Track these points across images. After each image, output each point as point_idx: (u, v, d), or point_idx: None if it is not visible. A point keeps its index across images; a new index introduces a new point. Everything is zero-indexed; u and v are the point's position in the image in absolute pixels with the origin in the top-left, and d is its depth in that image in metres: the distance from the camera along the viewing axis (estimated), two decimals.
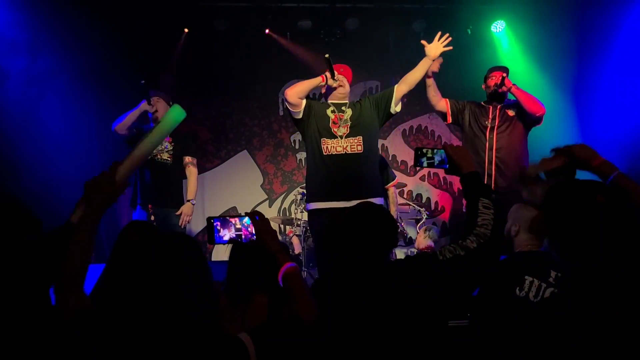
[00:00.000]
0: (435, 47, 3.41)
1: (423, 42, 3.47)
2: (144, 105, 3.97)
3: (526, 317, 1.84)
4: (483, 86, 4.13)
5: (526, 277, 1.88)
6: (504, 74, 3.93)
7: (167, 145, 4.20)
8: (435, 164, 1.87)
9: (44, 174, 4.45)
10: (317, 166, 3.38)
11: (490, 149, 3.88)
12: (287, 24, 5.69)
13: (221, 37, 5.66)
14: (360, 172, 3.32)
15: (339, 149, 3.33)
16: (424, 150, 1.88)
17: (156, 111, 4.04)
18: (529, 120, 3.95)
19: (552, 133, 4.65)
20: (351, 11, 5.64)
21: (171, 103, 4.19)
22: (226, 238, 1.83)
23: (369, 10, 5.65)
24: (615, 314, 1.27)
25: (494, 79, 3.97)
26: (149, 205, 4.04)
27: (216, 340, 1.32)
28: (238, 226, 1.82)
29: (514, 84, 3.91)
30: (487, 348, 1.96)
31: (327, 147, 3.35)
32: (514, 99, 3.98)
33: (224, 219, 1.84)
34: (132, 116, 3.95)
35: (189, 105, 5.98)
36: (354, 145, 3.33)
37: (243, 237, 1.82)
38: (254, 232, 1.79)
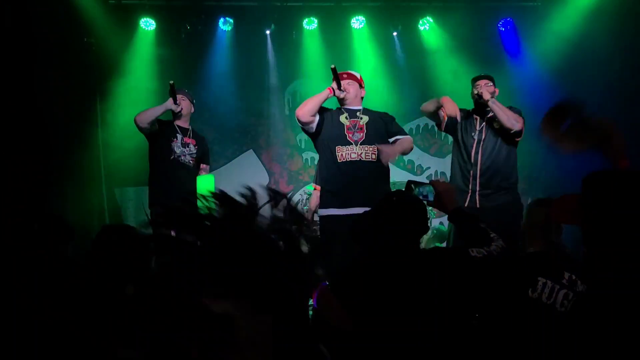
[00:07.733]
0: (393, 150, 3.32)
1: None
2: (169, 104, 3.93)
3: (538, 319, 1.82)
4: (472, 94, 3.79)
5: (539, 278, 1.86)
6: (482, 85, 3.64)
7: (192, 147, 4.17)
8: (429, 199, 2.09)
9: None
10: (331, 174, 3.36)
11: (475, 164, 3.63)
12: (293, 22, 5.67)
13: (227, 35, 5.65)
14: (372, 180, 3.29)
15: (353, 155, 3.31)
16: (418, 190, 2.11)
17: (181, 109, 4.06)
18: (507, 134, 3.62)
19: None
20: (357, 9, 5.61)
21: (194, 102, 4.25)
22: None
23: (375, 7, 5.63)
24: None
25: (477, 88, 3.67)
26: None
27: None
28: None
29: (492, 97, 3.56)
30: (498, 349, 1.94)
31: (341, 155, 3.32)
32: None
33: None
34: (155, 111, 3.91)
35: (195, 104, 5.99)
36: (369, 152, 3.31)
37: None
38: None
